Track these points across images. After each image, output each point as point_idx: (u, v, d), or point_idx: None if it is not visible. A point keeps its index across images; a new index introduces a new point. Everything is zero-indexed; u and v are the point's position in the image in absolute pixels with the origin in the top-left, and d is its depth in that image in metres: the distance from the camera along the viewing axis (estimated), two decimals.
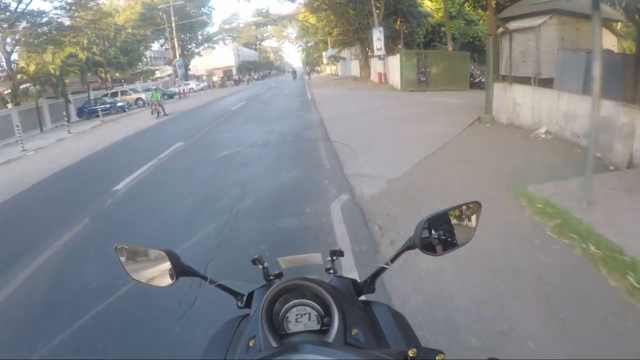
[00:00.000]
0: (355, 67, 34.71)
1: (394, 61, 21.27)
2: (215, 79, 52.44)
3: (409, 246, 0.98)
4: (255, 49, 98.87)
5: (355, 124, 10.61)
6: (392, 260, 1.00)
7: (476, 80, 19.11)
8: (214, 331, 1.02)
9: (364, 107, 13.83)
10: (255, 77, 63.58)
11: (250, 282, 1.07)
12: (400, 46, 24.43)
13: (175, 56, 36.23)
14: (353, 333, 0.81)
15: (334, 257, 1.08)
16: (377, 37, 22.37)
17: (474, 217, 0.98)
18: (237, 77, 53.21)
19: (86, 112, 23.24)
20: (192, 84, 41.76)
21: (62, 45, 22.85)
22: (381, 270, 1.02)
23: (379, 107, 13.59)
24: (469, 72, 19.78)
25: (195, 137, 11.16)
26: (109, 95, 26.31)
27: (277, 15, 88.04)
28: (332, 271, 1.07)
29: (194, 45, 47.52)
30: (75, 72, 22.81)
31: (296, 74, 51.97)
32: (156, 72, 43.29)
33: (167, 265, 1.01)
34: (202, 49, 50.06)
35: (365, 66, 27.87)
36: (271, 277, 1.06)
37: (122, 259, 1.03)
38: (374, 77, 26.60)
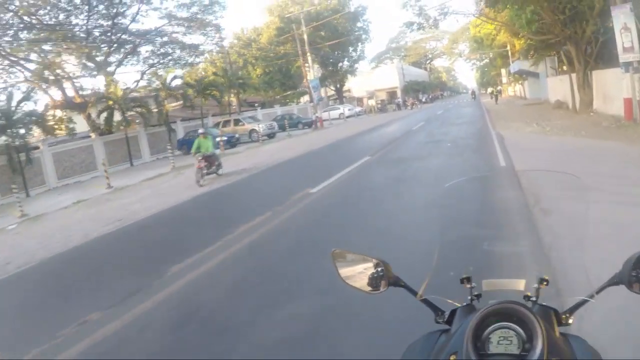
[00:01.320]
0: (553, 87, 22.63)
1: None
2: (371, 102, 45.60)
3: (614, 282, 0.95)
4: (425, 68, 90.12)
5: None
6: (597, 292, 0.98)
7: None
8: (411, 341, 1.02)
9: None
10: (424, 99, 54.93)
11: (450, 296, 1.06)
12: None
13: (312, 76, 30.95)
14: None
15: (540, 285, 1.03)
16: (623, 25, 11.36)
17: None
18: (399, 100, 45.31)
19: (186, 145, 19.35)
20: (344, 109, 36.34)
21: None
22: (582, 303, 0.99)
23: None
24: None
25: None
26: (220, 124, 22.38)
27: (445, 31, 77.80)
28: (533, 299, 1.02)
29: (346, 64, 42.44)
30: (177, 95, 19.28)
31: (475, 95, 49.15)
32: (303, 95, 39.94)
33: (380, 273, 1.06)
34: (357, 67, 44.55)
35: (584, 85, 16.08)
36: (473, 298, 1.05)
37: (337, 262, 1.10)
38: (602, 104, 14.67)
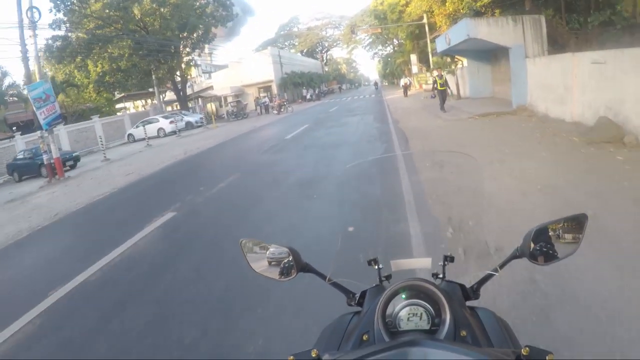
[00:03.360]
0: (541, 79, 11.10)
1: None
2: (211, 106, 30.51)
3: (516, 255, 1.01)
4: (320, 59, 79.08)
5: None
6: (500, 267, 1.03)
7: None
8: (326, 324, 1.02)
9: None
10: (308, 95, 42.77)
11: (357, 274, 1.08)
12: None
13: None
14: (462, 334, 0.83)
15: (445, 263, 1.09)
16: None
17: (581, 230, 1.00)
18: (266, 99, 31.88)
19: None
20: (165, 122, 22.34)
21: None
22: (488, 277, 1.04)
23: None
24: None
25: None
26: None
27: (342, 16, 66.90)
28: (441, 276, 1.08)
29: (192, 50, 27.98)
30: None
31: (378, 86, 45.70)
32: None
33: (289, 260, 1.07)
34: (196, 56, 30.24)
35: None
36: (382, 279, 1.10)
37: (246, 252, 1.11)
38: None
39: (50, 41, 21.44)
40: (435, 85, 14.52)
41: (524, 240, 0.98)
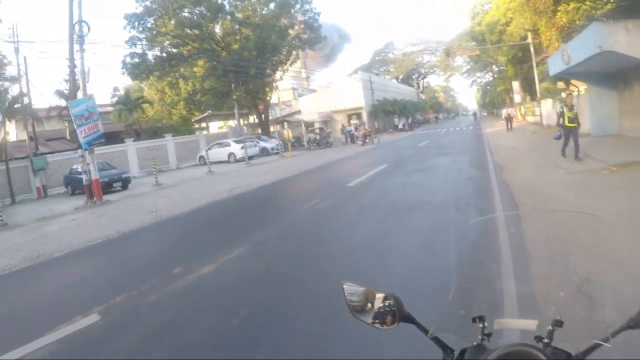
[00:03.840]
0: None
1: None
2: (288, 131, 28.26)
3: (630, 325, 0.95)
4: (415, 85, 75.89)
5: None
6: (612, 336, 0.96)
7: None
8: None
9: None
10: (400, 125, 39.65)
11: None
12: None
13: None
14: None
15: (555, 328, 1.00)
16: None
17: None
18: (351, 128, 28.79)
19: None
20: (236, 146, 21.62)
21: None
22: (596, 346, 0.96)
23: None
24: None
25: None
26: None
27: (439, 42, 63.25)
28: (546, 340, 0.98)
29: (272, 72, 27.73)
30: None
31: (476, 116, 44.40)
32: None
33: (391, 309, 1.04)
34: (280, 77, 29.65)
35: None
36: (484, 337, 1.03)
37: (347, 295, 1.09)
38: None
39: (128, 58, 22.71)
40: (562, 120, 9.38)
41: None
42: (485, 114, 64.70)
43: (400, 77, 75.68)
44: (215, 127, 37.53)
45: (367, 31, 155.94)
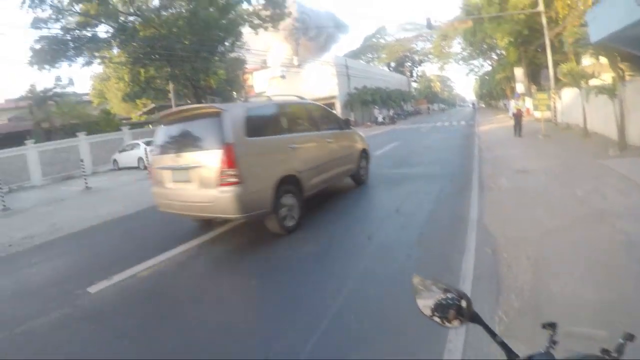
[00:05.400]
0: None
1: None
2: None
3: None
4: (406, 73, 70.31)
5: None
6: None
7: None
8: None
9: None
10: (380, 118, 34.53)
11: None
12: None
13: None
14: None
15: (625, 341, 0.96)
16: None
17: None
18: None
19: None
20: (144, 147, 16.65)
21: None
22: None
23: None
24: None
25: None
26: None
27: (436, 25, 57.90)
28: (614, 355, 0.95)
29: (209, 56, 22.24)
30: None
31: (475, 107, 43.75)
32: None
33: (460, 307, 1.00)
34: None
35: None
36: (551, 345, 1.01)
37: (416, 290, 1.06)
38: None
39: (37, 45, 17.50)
40: None
41: None
42: (483, 105, 59.60)
43: (393, 64, 70.39)
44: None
45: (359, 16, 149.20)
